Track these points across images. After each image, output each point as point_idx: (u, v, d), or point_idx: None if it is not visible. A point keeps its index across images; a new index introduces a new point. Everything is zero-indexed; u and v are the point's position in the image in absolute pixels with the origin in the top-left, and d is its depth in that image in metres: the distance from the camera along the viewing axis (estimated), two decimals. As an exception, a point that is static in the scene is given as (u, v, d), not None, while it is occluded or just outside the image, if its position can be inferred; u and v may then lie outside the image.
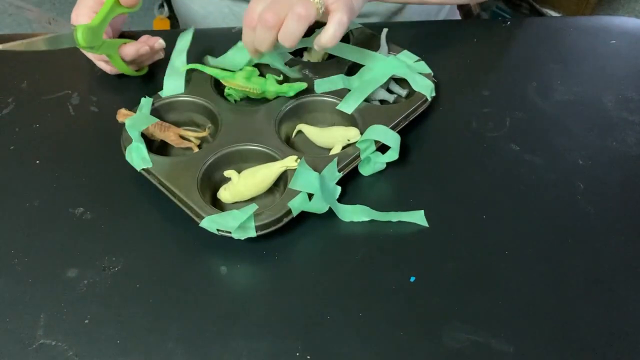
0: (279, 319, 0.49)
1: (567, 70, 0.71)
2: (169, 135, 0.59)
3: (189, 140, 0.61)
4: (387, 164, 0.59)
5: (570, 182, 0.59)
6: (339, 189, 0.56)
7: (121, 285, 0.51)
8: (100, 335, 0.48)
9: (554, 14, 1.50)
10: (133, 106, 0.61)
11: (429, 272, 0.52)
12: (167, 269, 0.52)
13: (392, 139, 0.58)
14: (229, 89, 0.63)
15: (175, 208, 0.54)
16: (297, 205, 0.53)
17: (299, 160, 0.54)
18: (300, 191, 0.53)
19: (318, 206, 0.54)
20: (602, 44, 0.74)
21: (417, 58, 0.66)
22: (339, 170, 0.56)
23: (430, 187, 0.59)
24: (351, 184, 0.58)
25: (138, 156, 0.57)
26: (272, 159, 0.57)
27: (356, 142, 0.58)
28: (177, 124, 0.62)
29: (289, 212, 0.53)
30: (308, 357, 0.47)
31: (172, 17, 1.76)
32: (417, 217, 0.56)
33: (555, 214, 0.57)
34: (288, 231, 0.55)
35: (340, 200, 0.56)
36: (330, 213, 0.55)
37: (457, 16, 0.98)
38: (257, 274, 0.52)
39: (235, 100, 0.64)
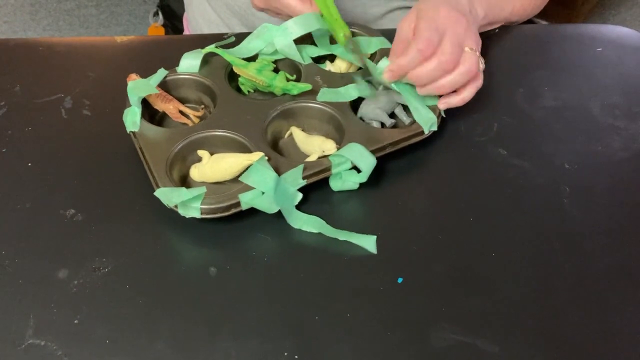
0: (267, 320, 0.50)
1: (554, 76, 0.72)
2: (169, 107, 0.62)
3: (187, 117, 0.62)
4: (364, 181, 0.58)
5: (557, 186, 0.60)
6: (299, 195, 0.55)
7: (111, 286, 0.51)
8: (90, 335, 0.48)
9: (544, 23, 1.52)
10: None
11: (417, 274, 0.53)
12: (156, 270, 0.53)
13: (366, 161, 0.56)
14: (242, 78, 0.63)
15: (165, 210, 0.55)
16: (247, 199, 0.53)
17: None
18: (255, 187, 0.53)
19: (267, 205, 0.54)
20: (589, 51, 0.75)
21: None
22: (306, 178, 0.56)
23: (419, 194, 0.60)
24: (320, 196, 0.58)
25: (131, 119, 0.59)
26: (247, 151, 0.57)
27: (329, 155, 0.57)
28: (186, 101, 0.65)
29: (238, 204, 0.54)
30: (296, 357, 0.47)
31: (166, 25, 1.78)
32: (367, 242, 0.54)
33: (542, 216, 0.57)
34: (277, 233, 0.55)
35: (303, 208, 0.56)
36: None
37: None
38: (246, 275, 0.53)
39: (249, 91, 0.65)
